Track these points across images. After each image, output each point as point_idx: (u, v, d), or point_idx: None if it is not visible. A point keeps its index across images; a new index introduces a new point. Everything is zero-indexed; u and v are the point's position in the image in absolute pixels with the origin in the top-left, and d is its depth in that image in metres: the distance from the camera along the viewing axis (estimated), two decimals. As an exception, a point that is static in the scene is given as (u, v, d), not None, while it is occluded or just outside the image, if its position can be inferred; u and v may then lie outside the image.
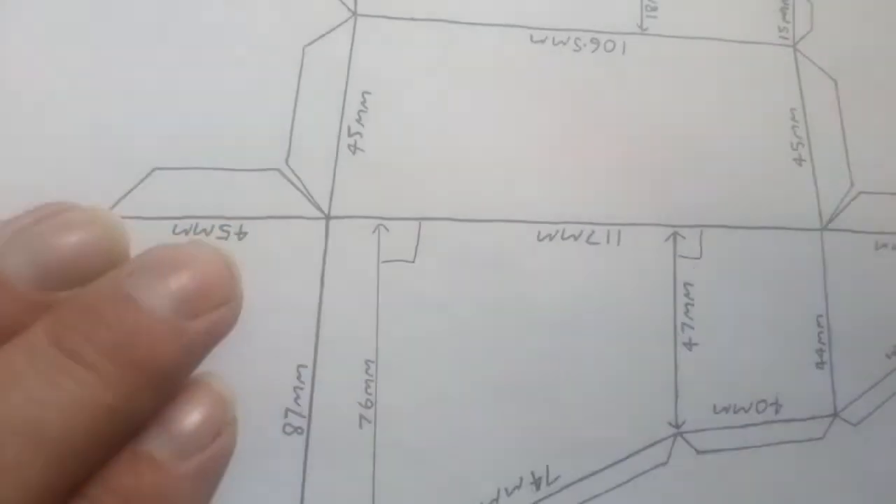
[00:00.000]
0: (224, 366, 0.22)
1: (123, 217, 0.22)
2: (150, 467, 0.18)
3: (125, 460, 0.18)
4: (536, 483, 0.24)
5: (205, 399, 0.19)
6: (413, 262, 0.24)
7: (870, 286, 0.27)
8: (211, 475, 0.19)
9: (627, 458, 0.24)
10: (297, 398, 0.22)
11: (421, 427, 0.23)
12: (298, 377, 0.22)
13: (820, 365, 0.26)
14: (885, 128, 0.28)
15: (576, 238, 0.25)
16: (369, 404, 0.23)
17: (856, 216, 0.27)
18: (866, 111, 0.28)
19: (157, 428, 0.18)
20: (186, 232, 0.22)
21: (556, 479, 0.24)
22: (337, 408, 0.23)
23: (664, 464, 0.25)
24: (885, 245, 0.27)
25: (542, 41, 0.26)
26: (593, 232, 0.25)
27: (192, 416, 0.19)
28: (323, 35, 0.24)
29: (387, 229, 0.24)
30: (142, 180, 0.22)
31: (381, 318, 0.23)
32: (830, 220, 0.27)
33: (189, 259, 0.19)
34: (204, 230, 0.22)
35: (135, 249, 0.20)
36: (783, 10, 0.28)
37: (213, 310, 0.19)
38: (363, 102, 0.24)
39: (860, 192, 0.27)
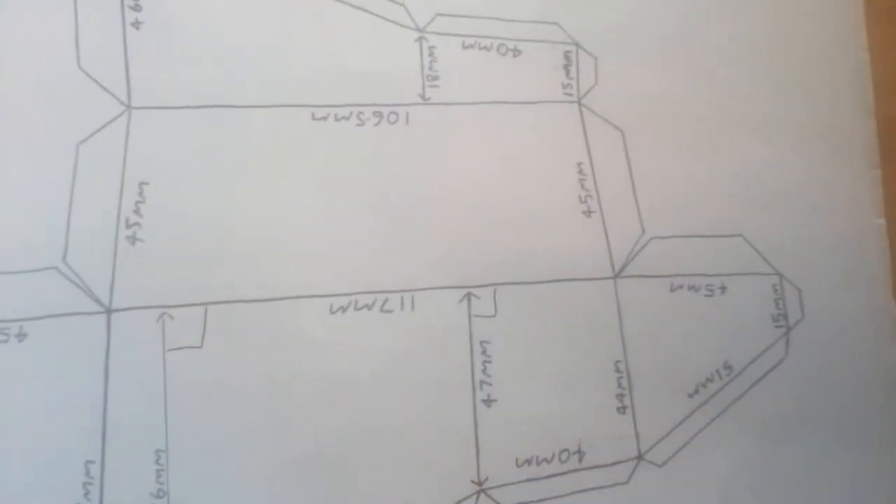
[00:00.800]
0: (10, 468, 0.22)
1: None
2: None
3: None
4: (330, 557, 0.24)
5: None
6: (201, 347, 0.24)
7: (668, 328, 0.28)
8: None
9: (427, 521, 0.25)
10: (86, 493, 0.23)
11: (212, 512, 0.23)
12: (87, 473, 0.23)
13: (621, 409, 0.27)
14: (672, 173, 0.29)
15: (369, 308, 0.26)
16: (161, 493, 0.23)
17: (649, 261, 0.28)
18: (654, 158, 0.29)
19: None
20: (-38, 339, 0.22)
21: (353, 550, 0.24)
22: (128, 500, 0.23)
23: (468, 522, 0.25)
24: (680, 286, 0.28)
25: (325, 118, 0.26)
26: (387, 300, 0.26)
27: None
28: (97, 131, 0.24)
29: (172, 317, 0.24)
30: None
31: (170, 407, 0.24)
32: (623, 268, 0.28)
33: None
34: (-20, 336, 0.23)
35: None
36: (566, 67, 0.29)
37: None
38: (140, 193, 0.24)
39: (652, 238, 0.28)
